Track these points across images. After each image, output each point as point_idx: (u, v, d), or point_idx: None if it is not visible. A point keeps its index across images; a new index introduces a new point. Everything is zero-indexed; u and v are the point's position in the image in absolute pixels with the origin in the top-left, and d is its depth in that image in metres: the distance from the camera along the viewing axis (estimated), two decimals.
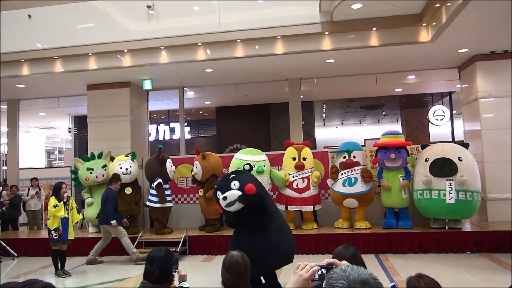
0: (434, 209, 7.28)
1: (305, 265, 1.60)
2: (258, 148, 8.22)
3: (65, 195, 6.59)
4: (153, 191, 8.27)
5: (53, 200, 6.49)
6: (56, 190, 6.58)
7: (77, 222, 7.71)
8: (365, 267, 1.51)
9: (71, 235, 6.72)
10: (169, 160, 8.49)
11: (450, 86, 11.45)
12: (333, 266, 1.62)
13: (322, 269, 1.60)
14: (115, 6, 8.45)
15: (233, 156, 8.16)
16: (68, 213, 6.61)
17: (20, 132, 11.87)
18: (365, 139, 15.17)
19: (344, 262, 1.64)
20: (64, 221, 6.57)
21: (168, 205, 8.38)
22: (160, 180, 8.22)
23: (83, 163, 8.90)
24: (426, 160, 7.40)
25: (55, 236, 6.50)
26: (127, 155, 8.68)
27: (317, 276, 1.58)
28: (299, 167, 7.89)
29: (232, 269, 2.65)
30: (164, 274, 3.00)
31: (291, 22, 7.71)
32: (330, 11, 7.25)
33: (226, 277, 2.64)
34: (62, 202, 6.49)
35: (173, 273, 3.10)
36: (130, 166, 8.47)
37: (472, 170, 7.21)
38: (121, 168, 8.40)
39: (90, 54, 8.52)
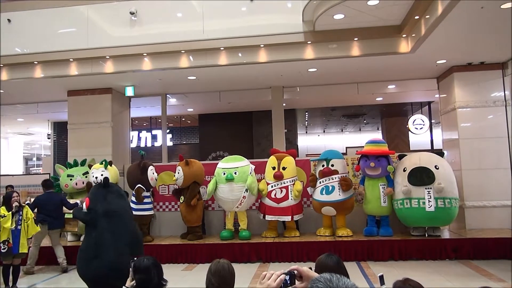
0: (415, 217, 7.40)
1: (271, 274, 1.59)
2: (241, 156, 8.23)
3: (14, 204, 6.08)
4: (133, 198, 8.17)
5: (2, 210, 6.03)
6: (7, 200, 6.13)
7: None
8: (347, 276, 1.52)
9: (24, 248, 6.15)
10: (151, 168, 8.39)
11: (429, 96, 11.71)
12: (296, 272, 1.63)
13: (286, 276, 1.61)
14: (98, 12, 8.38)
15: (216, 163, 8.25)
16: (19, 225, 6.10)
17: None
18: (346, 147, 15.33)
19: (306, 268, 1.65)
20: (16, 233, 6.05)
21: (148, 213, 8.28)
22: (139, 185, 8.14)
23: (64, 169, 8.74)
24: (404, 170, 7.54)
25: (3, 249, 5.94)
26: (101, 163, 8.51)
27: (282, 284, 1.60)
28: (277, 177, 7.86)
29: (218, 274, 2.63)
30: (161, 280, 3.02)
31: (274, 31, 7.77)
32: (313, 21, 7.34)
33: (211, 282, 2.63)
34: (10, 213, 5.98)
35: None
36: (102, 175, 8.19)
37: (448, 177, 7.39)
38: (93, 176, 8.27)
39: (71, 59, 8.41)
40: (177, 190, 8.39)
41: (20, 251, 6.11)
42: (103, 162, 8.42)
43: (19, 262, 6.27)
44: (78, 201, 7.51)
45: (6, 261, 6.12)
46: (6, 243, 5.99)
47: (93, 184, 8.13)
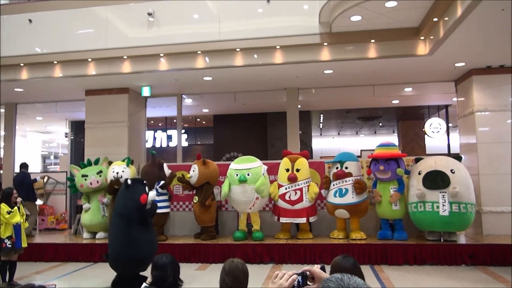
0: (429, 221, 7.30)
1: (283, 274, 1.60)
2: (254, 157, 8.22)
3: (18, 200, 6.21)
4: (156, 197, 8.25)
5: (4, 207, 6.01)
6: (6, 196, 6.18)
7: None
8: (363, 279, 1.51)
9: (24, 243, 6.28)
10: (165, 164, 8.51)
11: (447, 99, 11.55)
12: (308, 273, 1.63)
13: (299, 277, 1.61)
14: (116, 13, 8.50)
15: (229, 164, 8.23)
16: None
17: (17, 136, 11.83)
18: (361, 150, 15.20)
19: (318, 270, 1.65)
20: (17, 228, 6.12)
21: (166, 210, 8.36)
22: (162, 181, 8.25)
23: (79, 170, 8.88)
24: (419, 173, 7.45)
25: (9, 244, 6.00)
26: (123, 160, 8.67)
27: (295, 284, 1.59)
28: (292, 179, 7.83)
29: (232, 274, 2.65)
30: (176, 279, 3.07)
31: (290, 33, 7.77)
32: (329, 22, 7.32)
33: (225, 281, 2.64)
34: (16, 208, 6.08)
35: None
36: (123, 171, 8.37)
37: (465, 182, 7.25)
38: (113, 172, 8.39)
39: (90, 59, 8.55)
40: (183, 178, 8.43)
41: (22, 246, 6.20)
42: (125, 160, 8.57)
43: (16, 257, 6.31)
44: (37, 178, 9.93)
45: (7, 257, 6.13)
46: (10, 238, 6.05)
47: (113, 178, 8.31)
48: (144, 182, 5.93)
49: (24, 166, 9.92)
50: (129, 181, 5.78)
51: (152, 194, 5.78)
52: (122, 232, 5.61)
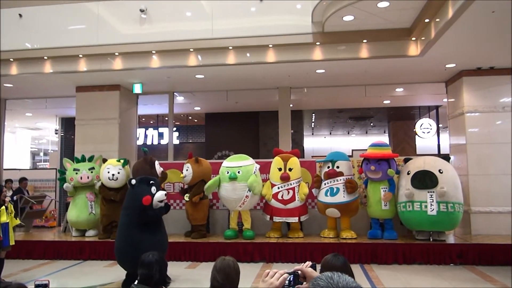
0: (417, 221, 7.37)
1: (274, 273, 1.59)
2: (247, 155, 8.21)
3: (7, 199, 6.12)
4: None
5: None
6: None
7: (18, 225, 7.11)
8: (353, 277, 1.52)
9: (12, 241, 6.18)
10: (157, 162, 8.43)
11: (437, 100, 11.65)
12: (300, 273, 1.63)
13: (290, 276, 1.61)
14: (108, 9, 8.43)
15: (221, 162, 8.22)
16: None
17: (5, 132, 11.68)
18: (352, 150, 15.26)
19: (310, 269, 1.65)
20: (5, 226, 5.99)
21: None
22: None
23: (72, 163, 8.80)
24: (408, 173, 7.52)
25: None
26: (118, 160, 8.51)
27: (286, 283, 1.60)
28: (284, 179, 7.84)
29: (223, 272, 2.64)
30: (162, 277, 3.06)
31: (283, 32, 7.78)
32: (322, 22, 7.34)
33: (216, 279, 2.63)
34: (3, 207, 6.00)
35: None
36: (118, 173, 8.25)
37: (453, 182, 7.32)
38: (108, 172, 8.27)
39: (81, 55, 8.47)
40: (184, 189, 8.40)
41: (10, 243, 6.10)
42: (120, 160, 8.44)
43: (4, 255, 6.22)
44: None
45: None
46: None
47: (108, 180, 8.22)
48: (151, 182, 5.58)
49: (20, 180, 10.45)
50: (133, 182, 5.54)
51: (160, 194, 5.45)
52: (124, 232, 5.54)
